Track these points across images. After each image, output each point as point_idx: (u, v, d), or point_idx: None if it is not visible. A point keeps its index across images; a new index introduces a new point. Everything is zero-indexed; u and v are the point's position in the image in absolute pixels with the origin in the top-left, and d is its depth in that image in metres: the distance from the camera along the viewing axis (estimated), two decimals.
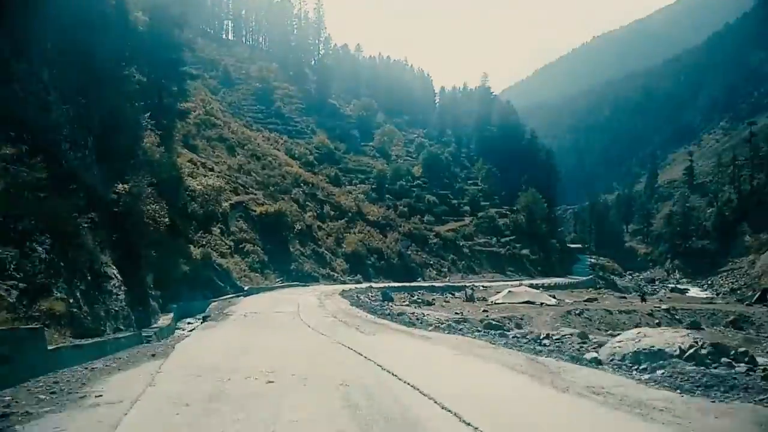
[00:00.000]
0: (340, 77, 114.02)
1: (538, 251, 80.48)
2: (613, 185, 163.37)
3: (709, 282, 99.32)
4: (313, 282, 44.32)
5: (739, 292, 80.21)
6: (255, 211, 46.42)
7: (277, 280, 40.94)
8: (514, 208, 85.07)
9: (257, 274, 39.06)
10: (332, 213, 58.75)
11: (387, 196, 75.65)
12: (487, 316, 25.06)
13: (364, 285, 43.83)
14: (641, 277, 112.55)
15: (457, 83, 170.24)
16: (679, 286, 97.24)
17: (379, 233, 60.66)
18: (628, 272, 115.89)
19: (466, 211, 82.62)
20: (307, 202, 57.28)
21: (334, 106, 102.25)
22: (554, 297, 37.07)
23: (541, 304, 32.36)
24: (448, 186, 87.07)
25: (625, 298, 51.35)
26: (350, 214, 60.85)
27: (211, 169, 47.44)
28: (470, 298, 36.03)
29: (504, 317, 25.27)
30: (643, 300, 42.57)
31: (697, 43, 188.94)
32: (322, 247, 50.91)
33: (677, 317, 30.94)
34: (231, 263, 35.27)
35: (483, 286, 55.08)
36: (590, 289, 65.82)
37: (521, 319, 25.65)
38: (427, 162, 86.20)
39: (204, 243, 34.12)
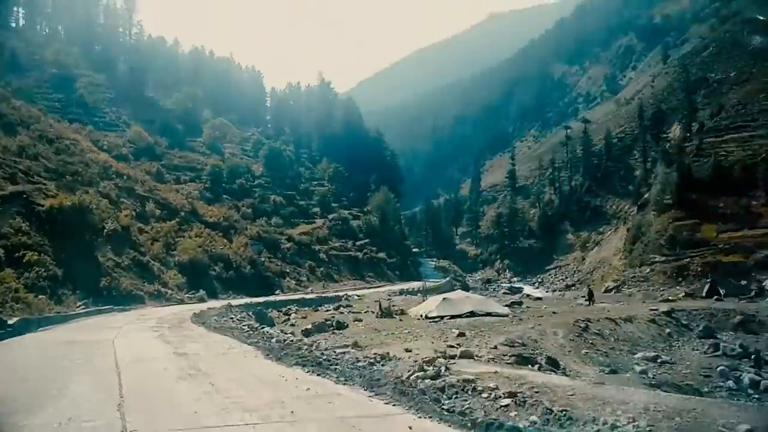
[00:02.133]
0: (157, 70, 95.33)
1: (395, 254, 70.69)
2: (438, 191, 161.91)
3: (539, 279, 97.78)
4: (137, 304, 29.11)
5: (574, 287, 77.82)
6: (42, 205, 29.90)
7: (80, 304, 25.35)
8: (366, 209, 74.48)
9: (44, 297, 23.19)
10: (158, 212, 42.88)
11: (225, 196, 60.73)
12: (495, 347, 13.19)
13: (216, 303, 29.64)
14: (477, 278, 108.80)
15: (291, 81, 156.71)
16: (513, 285, 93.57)
17: (222, 237, 45.97)
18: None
19: (316, 212, 70.22)
20: (121, 198, 40.91)
21: (152, 98, 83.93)
22: (510, 305, 26.21)
23: (488, 314, 21.46)
24: (292, 186, 73.92)
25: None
26: (182, 214, 45.37)
27: None
28: (387, 313, 23.85)
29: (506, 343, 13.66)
30: (591, 301, 32.86)
31: (502, 59, 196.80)
32: (146, 255, 35.28)
33: (683, 322, 22.08)
34: None
35: (357, 296, 43.27)
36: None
37: (534, 341, 14.26)
38: (269, 159, 72.32)
39: None
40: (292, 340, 13.27)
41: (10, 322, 16.32)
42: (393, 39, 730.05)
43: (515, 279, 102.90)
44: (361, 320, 22.36)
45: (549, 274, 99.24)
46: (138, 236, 36.54)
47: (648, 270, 53.40)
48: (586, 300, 25.60)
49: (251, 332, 15.89)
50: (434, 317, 21.54)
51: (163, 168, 59.45)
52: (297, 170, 79.00)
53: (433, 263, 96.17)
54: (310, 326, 19.40)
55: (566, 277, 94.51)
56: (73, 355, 11.09)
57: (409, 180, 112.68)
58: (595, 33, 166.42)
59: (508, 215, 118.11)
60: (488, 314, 21.47)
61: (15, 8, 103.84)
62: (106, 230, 32.44)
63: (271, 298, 36.76)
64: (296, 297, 38.01)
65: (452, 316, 21.00)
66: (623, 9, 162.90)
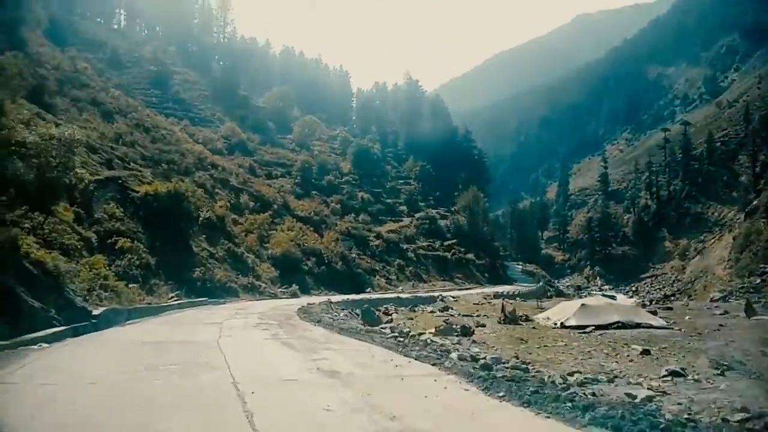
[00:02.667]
0: (249, 69, 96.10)
1: (483, 256, 66.75)
2: (522, 194, 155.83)
3: (634, 288, 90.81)
4: (231, 296, 27.17)
5: (673, 298, 70.49)
6: (137, 191, 28.66)
7: (172, 295, 23.54)
8: (453, 208, 70.90)
9: (135, 286, 21.49)
10: (251, 204, 41.39)
11: (314, 192, 59.02)
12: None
13: (311, 299, 27.29)
14: (567, 284, 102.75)
15: (378, 81, 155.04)
16: (605, 293, 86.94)
17: (314, 231, 44.01)
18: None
19: (402, 211, 67.47)
20: (216, 189, 39.69)
21: (245, 96, 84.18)
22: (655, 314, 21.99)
23: (638, 326, 17.61)
24: (378, 184, 71.55)
25: None
26: (275, 207, 43.75)
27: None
28: (511, 318, 20.37)
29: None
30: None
31: (590, 60, 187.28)
32: (240, 246, 33.57)
33: None
34: (81, 266, 17.64)
35: (453, 297, 40.02)
36: (550, 297, 53.50)
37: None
38: (356, 157, 70.31)
39: (29, 226, 16.47)
40: (472, 355, 9.87)
41: (95, 312, 14.12)
42: (476, 42, 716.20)
43: (606, 287, 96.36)
44: (484, 325, 19.06)
45: (644, 283, 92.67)
46: (232, 227, 34.98)
47: (759, 281, 46.74)
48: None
49: (397, 338, 12.81)
50: (574, 326, 17.88)
51: (255, 163, 58.57)
52: (383, 168, 76.59)
53: (520, 267, 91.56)
54: (433, 330, 16.34)
55: (663, 287, 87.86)
56: (166, 365, 7.90)
57: (492, 182, 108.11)
58: (694, 33, 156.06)
59: (600, 220, 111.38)
60: (638, 325, 17.61)
61: (117, 10, 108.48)
62: (201, 219, 30.89)
63: (365, 295, 34.10)
64: (390, 295, 35.16)
65: (597, 326, 17.29)
66: (724, 8, 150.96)
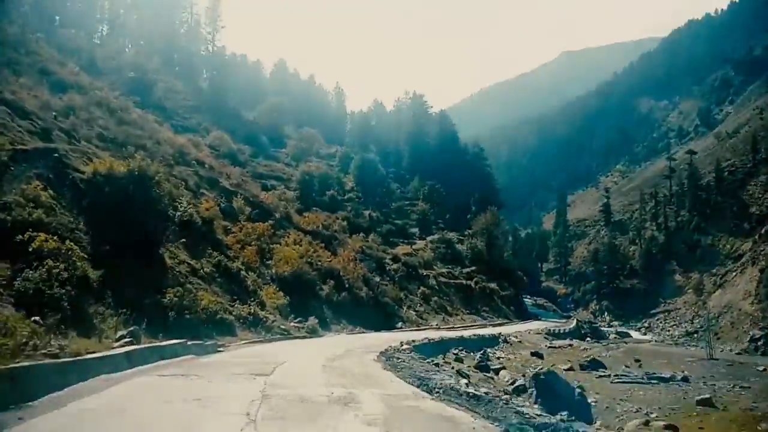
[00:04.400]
0: (239, 85, 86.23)
1: (507, 286, 56.22)
2: (515, 225, 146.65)
3: (646, 324, 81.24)
4: (224, 335, 16.14)
5: (695, 335, 61.60)
6: (81, 172, 17.87)
7: (120, 335, 12.36)
8: (469, 231, 60.46)
9: (54, 319, 10.52)
10: (248, 209, 30.38)
11: (314, 207, 48.18)
12: None
13: (340, 338, 16.48)
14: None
15: (376, 98, 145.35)
16: (617, 329, 77.38)
17: (324, 248, 33.04)
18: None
19: (414, 233, 56.91)
20: (202, 189, 28.75)
21: (235, 110, 73.81)
22: None
23: None
24: (383, 204, 61.04)
25: None
26: (277, 216, 32.86)
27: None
28: None
29: None
30: None
31: (580, 94, 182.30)
32: (235, 261, 22.55)
33: None
34: None
35: (515, 337, 29.34)
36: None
37: None
38: (360, 172, 59.91)
39: None
40: None
41: None
42: (464, 76, 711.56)
43: (615, 323, 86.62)
44: None
45: (657, 319, 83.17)
46: (222, 236, 24.05)
47: None
48: None
49: None
50: None
51: (247, 174, 47.76)
52: (389, 186, 66.23)
53: (529, 300, 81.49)
54: None
55: (679, 323, 78.60)
56: None
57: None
58: (686, 67, 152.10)
59: (607, 251, 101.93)
60: None
61: (99, 26, 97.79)
62: (177, 218, 19.96)
63: (410, 333, 23.32)
64: (450, 334, 24.39)
65: None
66: (714, 43, 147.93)
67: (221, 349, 13.73)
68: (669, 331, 74.90)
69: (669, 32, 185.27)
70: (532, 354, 20.24)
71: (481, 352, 18.45)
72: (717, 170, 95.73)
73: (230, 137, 56.89)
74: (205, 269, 19.55)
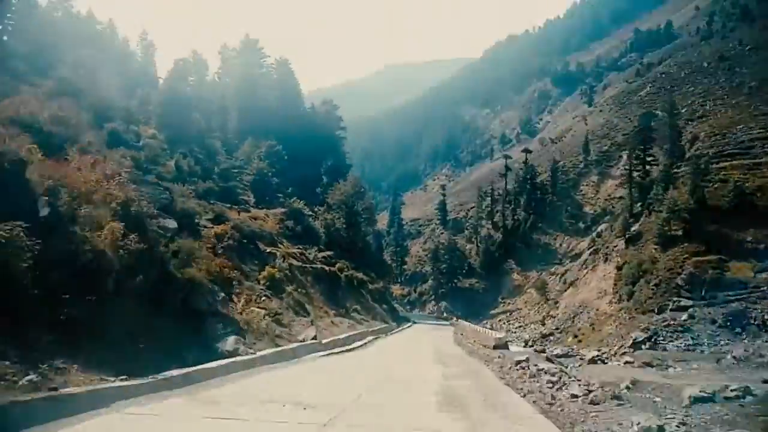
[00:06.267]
0: None
1: (375, 277, 39.38)
2: None
3: (488, 325, 71.87)
4: None
5: (552, 337, 52.60)
6: None
7: None
8: (327, 202, 42.60)
9: None
10: None
11: None
12: None
13: None
14: None
15: (194, 49, 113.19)
16: None
17: None
18: None
19: (246, 200, 37.25)
20: None
21: None
22: None
23: None
24: (199, 161, 39.85)
25: None
26: None
27: None
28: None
29: None
30: None
31: (409, 99, 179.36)
32: None
33: None
34: None
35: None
36: None
37: None
38: (167, 116, 38.14)
39: None
40: None
41: None
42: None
43: None
44: None
45: (499, 320, 74.83)
46: None
47: (685, 316, 35.61)
48: None
49: None
50: None
51: None
52: (210, 147, 45.02)
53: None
54: None
55: (524, 324, 70.70)
56: None
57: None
58: (507, 79, 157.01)
59: (447, 250, 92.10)
60: None
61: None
62: None
63: None
64: None
65: None
66: (534, 58, 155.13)
67: None
68: (515, 333, 65.40)
69: (482, 53, 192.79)
70: None
71: None
72: (553, 170, 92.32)
73: None
74: None
